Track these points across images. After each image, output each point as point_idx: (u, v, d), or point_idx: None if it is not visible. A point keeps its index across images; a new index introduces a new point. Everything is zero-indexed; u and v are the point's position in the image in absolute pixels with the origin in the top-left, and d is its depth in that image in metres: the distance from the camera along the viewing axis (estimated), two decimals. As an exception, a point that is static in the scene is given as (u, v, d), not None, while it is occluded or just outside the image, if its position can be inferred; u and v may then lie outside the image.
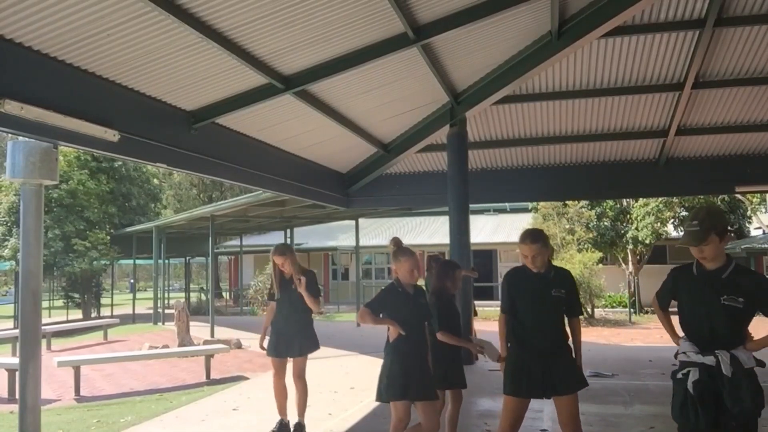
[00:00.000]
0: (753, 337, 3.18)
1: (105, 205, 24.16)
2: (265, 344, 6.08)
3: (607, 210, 22.07)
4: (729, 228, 3.31)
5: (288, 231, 22.70)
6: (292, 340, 5.83)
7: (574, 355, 3.93)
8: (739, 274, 3.19)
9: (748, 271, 3.29)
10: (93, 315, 25.23)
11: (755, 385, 3.09)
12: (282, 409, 6.04)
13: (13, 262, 21.38)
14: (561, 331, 3.92)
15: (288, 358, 5.93)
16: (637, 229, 21.41)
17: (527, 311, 3.92)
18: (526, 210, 25.50)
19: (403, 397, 4.16)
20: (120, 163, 24.79)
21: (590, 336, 15.57)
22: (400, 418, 4.18)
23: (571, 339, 3.95)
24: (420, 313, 4.37)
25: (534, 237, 3.92)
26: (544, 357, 3.82)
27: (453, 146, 8.54)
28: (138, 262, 28.63)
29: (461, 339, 4.86)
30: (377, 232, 28.55)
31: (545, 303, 3.89)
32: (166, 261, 25.88)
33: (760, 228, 24.08)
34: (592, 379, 8.85)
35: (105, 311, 25.97)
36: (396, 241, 4.57)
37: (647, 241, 21.27)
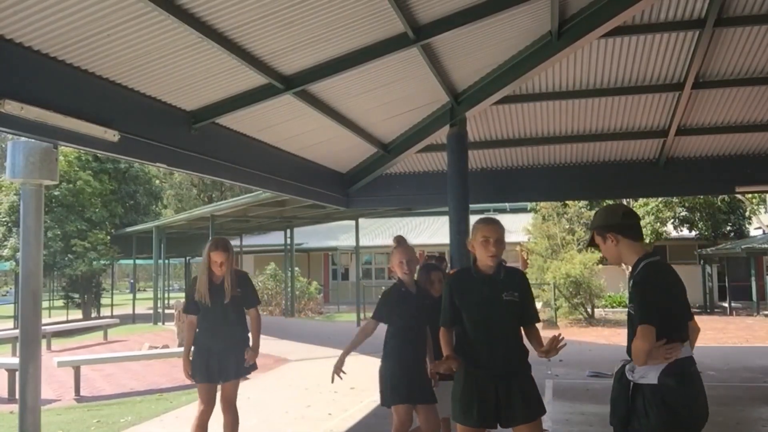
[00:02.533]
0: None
1: (110, 206, 24.20)
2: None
3: (607, 210, 22.12)
4: (612, 225, 2.91)
5: (288, 231, 22.72)
6: (228, 359, 4.75)
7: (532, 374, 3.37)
8: (638, 275, 2.79)
9: (645, 271, 2.79)
10: (93, 315, 25.26)
11: (635, 401, 2.69)
12: None
13: (13, 263, 21.38)
14: (518, 345, 3.32)
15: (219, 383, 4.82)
16: (636, 229, 21.44)
17: (476, 323, 3.29)
18: (525, 210, 25.52)
19: (407, 401, 4.10)
20: (125, 163, 24.83)
21: (590, 336, 15.57)
22: (402, 422, 4.11)
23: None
24: (423, 315, 4.25)
25: (497, 220, 3.46)
26: (498, 378, 3.21)
27: (453, 146, 8.53)
28: (138, 262, 28.66)
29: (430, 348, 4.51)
30: (377, 232, 28.55)
31: (496, 311, 3.27)
32: (166, 261, 25.90)
33: (760, 228, 24.08)
34: (593, 380, 8.86)
35: (105, 311, 26.00)
36: (398, 239, 4.42)
37: (647, 241, 21.29)
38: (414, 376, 4.12)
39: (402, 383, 4.06)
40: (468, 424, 3.23)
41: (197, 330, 4.79)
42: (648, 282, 2.75)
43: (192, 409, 7.45)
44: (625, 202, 22.15)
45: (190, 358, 4.77)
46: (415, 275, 4.48)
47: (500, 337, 3.28)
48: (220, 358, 4.74)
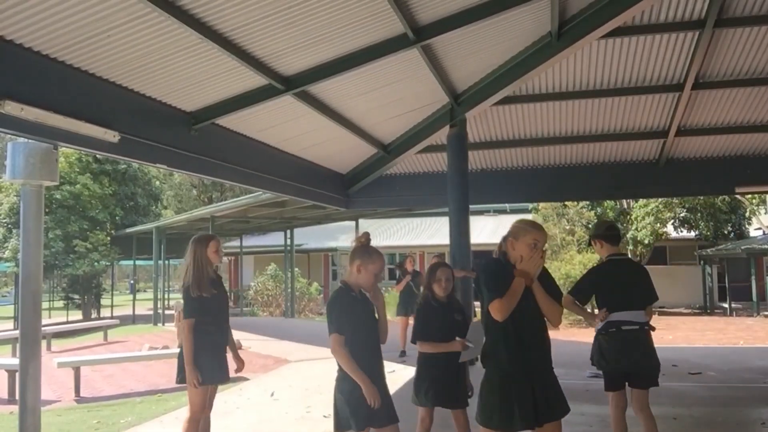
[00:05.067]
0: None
1: (109, 207, 24.19)
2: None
3: (608, 210, 22.07)
4: (600, 234, 4.61)
5: (288, 232, 22.70)
6: (225, 358, 4.70)
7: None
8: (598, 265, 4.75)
9: (601, 263, 4.68)
10: (93, 316, 25.24)
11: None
12: None
13: (14, 264, 21.37)
14: (549, 343, 3.31)
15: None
16: (636, 229, 21.42)
17: (521, 321, 3.18)
18: (526, 210, 25.51)
19: (370, 424, 3.50)
20: (124, 164, 24.81)
21: (590, 337, 15.55)
22: None
23: None
24: (374, 323, 3.67)
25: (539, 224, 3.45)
26: (533, 376, 3.19)
27: (453, 147, 8.54)
28: (138, 262, 28.62)
29: (438, 344, 4.19)
30: (377, 233, 28.50)
31: (537, 310, 3.22)
32: (166, 262, 25.87)
33: (760, 229, 24.06)
34: (592, 380, 8.85)
35: (105, 312, 25.96)
36: (368, 236, 3.75)
37: (646, 242, 21.27)
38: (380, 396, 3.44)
39: (363, 405, 3.38)
40: (511, 429, 3.13)
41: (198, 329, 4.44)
42: (593, 269, 4.65)
43: (192, 409, 7.43)
44: (625, 202, 22.19)
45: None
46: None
47: (538, 336, 3.26)
48: (222, 358, 4.61)
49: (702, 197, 20.74)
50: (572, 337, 15.06)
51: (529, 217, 23.90)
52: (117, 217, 25.05)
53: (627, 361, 4.26)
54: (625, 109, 8.87)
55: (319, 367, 9.80)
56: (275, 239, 25.88)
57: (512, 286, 3.15)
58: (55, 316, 26.00)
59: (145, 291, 43.03)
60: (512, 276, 3.19)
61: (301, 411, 7.01)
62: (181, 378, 4.60)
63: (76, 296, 26.05)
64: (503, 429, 3.14)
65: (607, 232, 4.55)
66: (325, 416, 6.69)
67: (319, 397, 7.56)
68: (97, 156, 21.65)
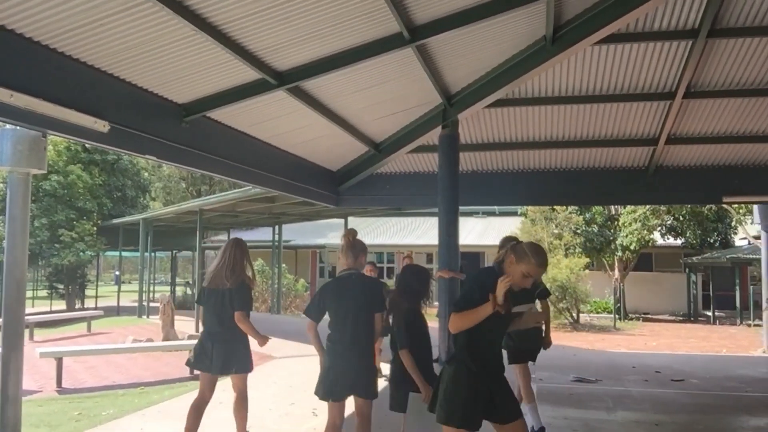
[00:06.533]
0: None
1: (98, 198, 24.00)
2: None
3: (596, 216, 22.19)
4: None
5: (276, 227, 22.64)
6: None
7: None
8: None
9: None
10: (77, 306, 25.04)
11: None
12: None
13: (-2, 251, 21.13)
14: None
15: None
16: (624, 235, 21.55)
17: (494, 325, 3.27)
18: (514, 213, 25.63)
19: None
20: (113, 155, 24.61)
21: (575, 341, 15.64)
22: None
23: None
24: None
25: (547, 261, 3.41)
26: (492, 377, 3.38)
27: (444, 148, 8.53)
28: (124, 254, 28.43)
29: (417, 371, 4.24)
30: (366, 231, 28.51)
31: (509, 316, 3.38)
32: (153, 254, 25.72)
33: (745, 238, 24.28)
34: (576, 384, 8.90)
35: (89, 303, 25.78)
36: (355, 233, 4.37)
37: (633, 248, 21.40)
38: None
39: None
40: (471, 427, 3.27)
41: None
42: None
43: (176, 403, 7.39)
44: (613, 208, 22.32)
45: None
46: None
47: (502, 339, 3.54)
48: None
49: (689, 206, 20.91)
50: (557, 341, 15.12)
51: (517, 220, 24.04)
52: (105, 208, 24.86)
53: (532, 341, 5.74)
54: (617, 115, 8.91)
55: (305, 363, 9.77)
56: (263, 234, 25.81)
57: (478, 310, 3.15)
58: (38, 306, 25.78)
59: (130, 282, 42.77)
60: (492, 290, 3.17)
61: (285, 407, 6.99)
62: (239, 367, 5.59)
63: (61, 286, 25.84)
64: (465, 426, 3.28)
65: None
66: (314, 413, 6.67)
67: (304, 393, 7.54)
68: (86, 145, 21.47)
